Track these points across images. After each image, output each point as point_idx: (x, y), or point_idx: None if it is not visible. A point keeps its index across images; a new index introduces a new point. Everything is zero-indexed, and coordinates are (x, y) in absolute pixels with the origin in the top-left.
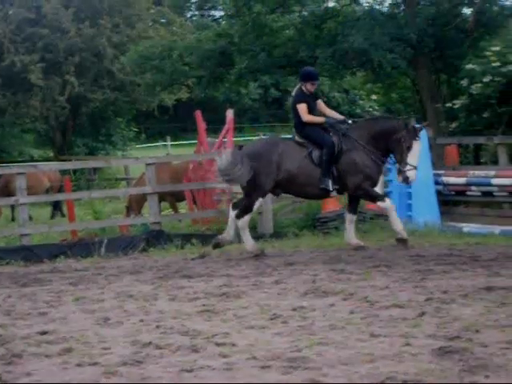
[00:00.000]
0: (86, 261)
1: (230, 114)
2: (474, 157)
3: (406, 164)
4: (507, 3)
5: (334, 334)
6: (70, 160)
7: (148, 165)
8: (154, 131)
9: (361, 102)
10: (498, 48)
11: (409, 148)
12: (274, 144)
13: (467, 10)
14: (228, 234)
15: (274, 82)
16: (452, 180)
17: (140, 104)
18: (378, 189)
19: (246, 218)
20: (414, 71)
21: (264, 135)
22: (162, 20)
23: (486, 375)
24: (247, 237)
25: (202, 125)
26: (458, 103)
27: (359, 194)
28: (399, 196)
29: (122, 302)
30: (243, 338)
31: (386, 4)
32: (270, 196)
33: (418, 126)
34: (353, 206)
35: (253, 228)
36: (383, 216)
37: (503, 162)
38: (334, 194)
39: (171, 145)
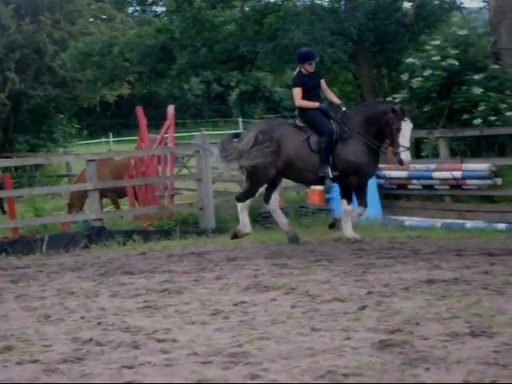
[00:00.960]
0: (27, 258)
1: (170, 109)
2: (414, 150)
3: (398, 146)
4: None
5: (275, 328)
6: (11, 157)
7: (89, 161)
8: (96, 127)
9: None
10: (437, 42)
11: (398, 130)
12: (272, 129)
13: (407, 4)
14: (282, 224)
15: (216, 77)
16: (393, 174)
17: (81, 100)
18: None
19: (248, 202)
20: (354, 65)
21: (206, 130)
22: (103, 16)
23: (427, 368)
24: (245, 219)
25: (143, 121)
26: (398, 97)
27: (342, 183)
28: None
29: (63, 299)
30: (184, 333)
31: None
32: (211, 191)
33: (406, 107)
34: (362, 198)
35: (194, 223)
36: (325, 210)
37: (444, 155)
38: (329, 181)
39: (114, 141)
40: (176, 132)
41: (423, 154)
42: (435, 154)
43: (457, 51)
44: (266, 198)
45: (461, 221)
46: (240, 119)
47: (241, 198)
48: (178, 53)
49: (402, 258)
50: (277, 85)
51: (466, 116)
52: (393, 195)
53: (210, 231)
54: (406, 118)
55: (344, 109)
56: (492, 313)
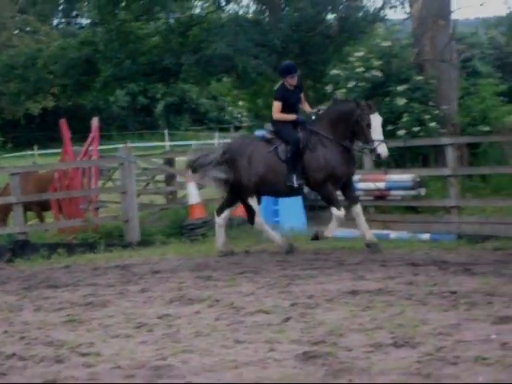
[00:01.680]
0: None
1: (95, 122)
2: None
3: (373, 141)
4: (370, 9)
5: (199, 341)
6: None
7: (12, 174)
8: (21, 140)
9: (229, 108)
10: (361, 53)
11: (368, 125)
12: (244, 146)
13: (331, 16)
14: (219, 241)
15: (142, 89)
16: None
17: (6, 113)
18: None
19: (257, 219)
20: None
21: (132, 143)
22: (28, 28)
23: (350, 379)
24: (271, 233)
25: (67, 133)
26: (323, 109)
27: (320, 193)
28: (266, 202)
29: None
30: (108, 347)
31: (251, 10)
32: (135, 204)
33: (370, 101)
34: (351, 196)
35: (119, 236)
36: None
37: (368, 166)
38: (306, 190)
39: (39, 154)
40: (101, 144)
41: None
42: (359, 165)
43: (380, 62)
44: (219, 210)
45: (385, 231)
46: (166, 131)
47: (250, 220)
48: (103, 65)
49: (327, 269)
50: (202, 96)
51: (390, 127)
52: (318, 206)
53: (135, 244)
54: (373, 112)
55: (314, 117)
56: (415, 323)
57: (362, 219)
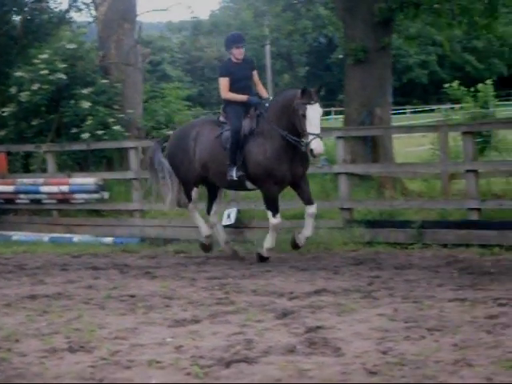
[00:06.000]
0: None
1: None
2: (23, 164)
3: (308, 134)
4: (56, 11)
5: None
6: None
7: None
8: None
9: None
10: (46, 56)
11: (304, 115)
12: (191, 127)
13: (17, 17)
14: (221, 239)
15: None
16: (0, 188)
17: None
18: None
19: (190, 206)
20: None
21: None
22: None
23: None
24: (199, 221)
25: None
26: (7, 111)
27: (262, 191)
28: None
29: None
30: None
31: None
32: None
33: (311, 89)
34: (305, 197)
35: None
36: None
37: (51, 169)
38: (250, 185)
39: None
40: None
41: (31, 168)
42: (44, 169)
43: (65, 65)
44: (208, 208)
45: (68, 235)
46: None
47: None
48: None
49: (7, 274)
50: None
51: (74, 130)
52: (1, 210)
53: None
54: (312, 102)
55: (267, 104)
56: (92, 328)
57: (311, 222)
